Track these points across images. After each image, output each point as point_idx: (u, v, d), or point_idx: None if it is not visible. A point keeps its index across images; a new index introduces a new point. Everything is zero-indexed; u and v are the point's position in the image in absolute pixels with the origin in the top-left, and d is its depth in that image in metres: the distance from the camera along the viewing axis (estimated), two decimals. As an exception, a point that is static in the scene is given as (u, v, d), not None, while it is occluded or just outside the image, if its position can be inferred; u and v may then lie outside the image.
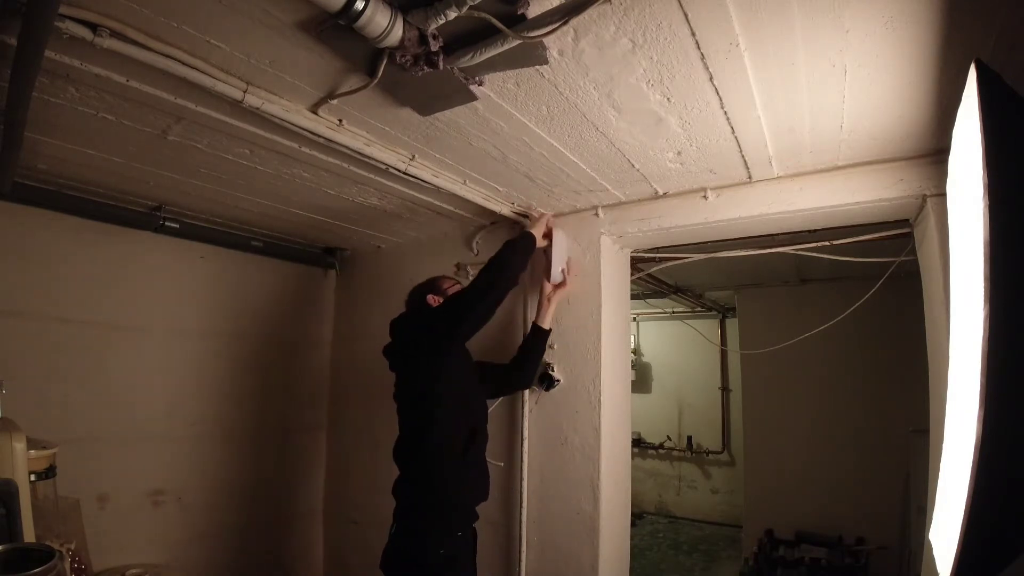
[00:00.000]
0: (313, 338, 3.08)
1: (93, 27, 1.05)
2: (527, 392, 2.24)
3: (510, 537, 2.22)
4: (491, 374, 2.09)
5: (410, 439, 1.80)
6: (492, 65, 1.18)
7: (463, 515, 1.78)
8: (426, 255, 2.73)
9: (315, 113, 1.47)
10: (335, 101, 1.39)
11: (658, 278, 3.63)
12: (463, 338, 1.79)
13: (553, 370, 2.19)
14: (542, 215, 2.18)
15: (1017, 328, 0.71)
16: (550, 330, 2.15)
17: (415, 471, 1.77)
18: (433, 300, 1.90)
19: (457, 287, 1.96)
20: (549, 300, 2.13)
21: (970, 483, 0.72)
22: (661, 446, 6.03)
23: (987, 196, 0.72)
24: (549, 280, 2.14)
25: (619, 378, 2.25)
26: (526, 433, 2.21)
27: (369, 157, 1.66)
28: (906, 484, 3.41)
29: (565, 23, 1.04)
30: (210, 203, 2.24)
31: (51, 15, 0.93)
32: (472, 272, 2.50)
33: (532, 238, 2.00)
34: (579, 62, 1.20)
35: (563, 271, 2.16)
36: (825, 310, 2.57)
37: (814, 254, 2.10)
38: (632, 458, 2.45)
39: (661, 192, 2.01)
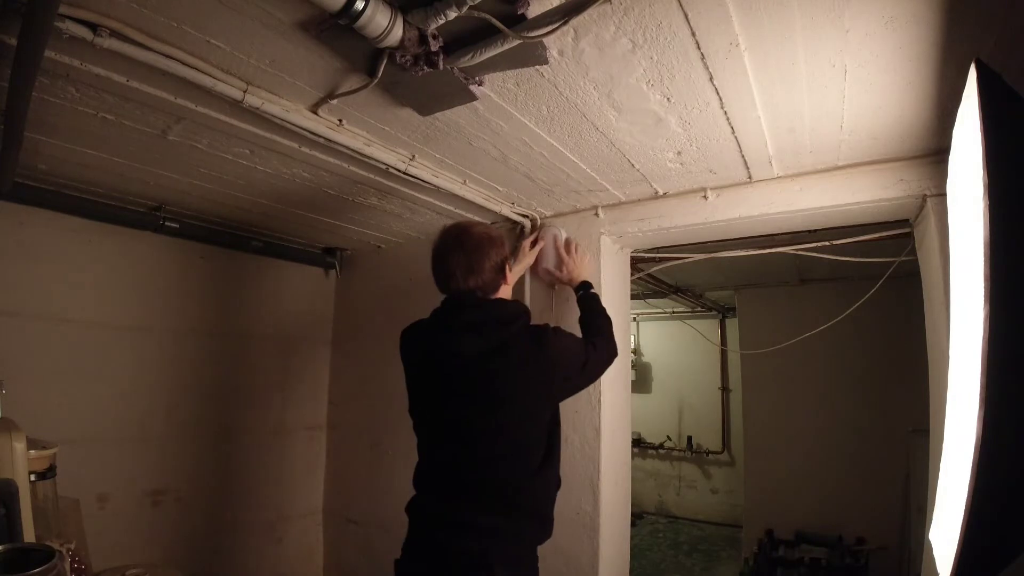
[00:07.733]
0: (313, 338, 3.08)
1: (93, 27, 1.04)
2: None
3: (510, 537, 2.22)
4: None
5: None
6: (492, 65, 1.18)
7: None
8: (426, 255, 2.72)
9: (315, 113, 1.47)
10: (335, 101, 1.39)
11: (658, 278, 3.62)
12: None
13: (553, 370, 2.19)
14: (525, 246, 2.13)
15: (1017, 328, 0.71)
16: (587, 284, 1.92)
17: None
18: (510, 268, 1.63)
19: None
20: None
21: (970, 483, 0.72)
22: (661, 446, 6.03)
23: (987, 196, 0.71)
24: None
25: (619, 378, 2.24)
26: (526, 433, 2.21)
27: (369, 157, 1.66)
28: (906, 484, 3.42)
29: (565, 23, 1.04)
30: (210, 203, 2.24)
31: (51, 15, 0.93)
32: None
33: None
34: (579, 62, 1.20)
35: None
36: (825, 310, 2.58)
37: (814, 254, 2.10)
38: (632, 458, 2.45)
39: (661, 192, 2.00)
